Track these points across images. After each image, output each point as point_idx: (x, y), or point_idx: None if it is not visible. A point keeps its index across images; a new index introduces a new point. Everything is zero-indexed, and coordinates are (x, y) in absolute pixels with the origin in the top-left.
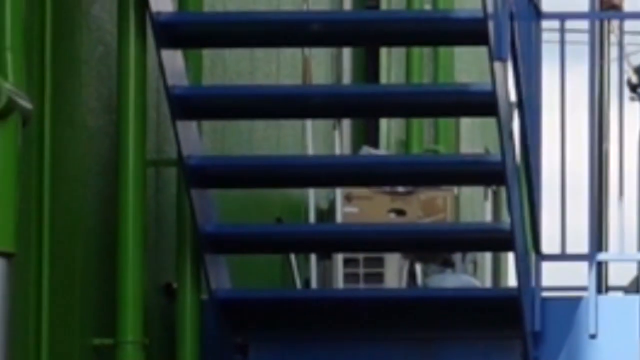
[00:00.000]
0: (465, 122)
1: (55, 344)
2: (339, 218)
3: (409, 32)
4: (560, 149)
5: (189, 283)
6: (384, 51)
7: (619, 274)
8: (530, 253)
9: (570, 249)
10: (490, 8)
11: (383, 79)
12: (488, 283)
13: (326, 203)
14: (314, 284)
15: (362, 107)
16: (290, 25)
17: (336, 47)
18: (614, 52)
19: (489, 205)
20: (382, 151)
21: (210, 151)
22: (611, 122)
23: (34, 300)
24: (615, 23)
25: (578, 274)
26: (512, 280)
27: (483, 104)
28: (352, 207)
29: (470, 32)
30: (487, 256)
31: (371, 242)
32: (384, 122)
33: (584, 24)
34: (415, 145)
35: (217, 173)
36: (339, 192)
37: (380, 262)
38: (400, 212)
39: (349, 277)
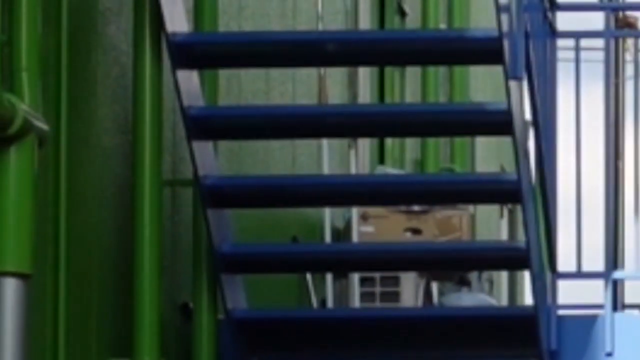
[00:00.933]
0: (481, 141)
1: None
2: (355, 237)
3: (425, 52)
4: (576, 167)
5: (206, 303)
6: (388, 71)
7: (635, 292)
8: (546, 271)
9: (586, 267)
10: (505, 27)
11: (388, 98)
12: (504, 302)
13: (342, 222)
14: (330, 303)
15: (378, 126)
16: (305, 45)
17: (351, 66)
18: (629, 70)
19: (504, 224)
20: (396, 170)
21: (226, 171)
22: (627, 140)
23: (50, 321)
24: (630, 41)
25: (594, 292)
26: (528, 299)
27: (498, 122)
28: (368, 226)
29: (486, 51)
30: (503, 275)
31: (387, 261)
32: (388, 140)
33: (599, 42)
34: (430, 165)
35: (233, 193)
36: (354, 212)
37: (396, 281)
38: (416, 231)
39: (365, 296)
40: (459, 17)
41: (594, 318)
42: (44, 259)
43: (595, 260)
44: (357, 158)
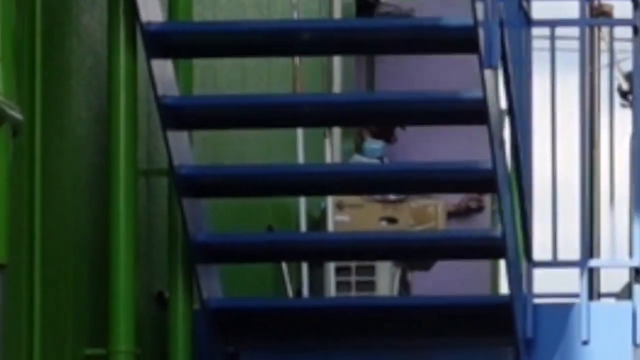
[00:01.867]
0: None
1: (48, 354)
2: (330, 226)
3: (399, 40)
4: (551, 156)
5: (181, 292)
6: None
7: (611, 281)
8: (522, 260)
9: (561, 256)
10: (480, 16)
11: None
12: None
13: (317, 211)
14: (305, 292)
15: (353, 115)
16: (280, 35)
17: (326, 55)
18: (604, 59)
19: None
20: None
21: (201, 160)
22: (602, 129)
23: (25, 311)
24: (605, 30)
25: (570, 281)
26: (504, 288)
27: (474, 111)
28: (344, 215)
29: (461, 40)
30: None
31: (363, 250)
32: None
33: (574, 31)
34: None
35: (208, 182)
36: (330, 201)
37: (371, 270)
38: (391, 220)
39: (340, 286)
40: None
41: (569, 307)
42: (19, 248)
43: (570, 249)
44: (332, 147)
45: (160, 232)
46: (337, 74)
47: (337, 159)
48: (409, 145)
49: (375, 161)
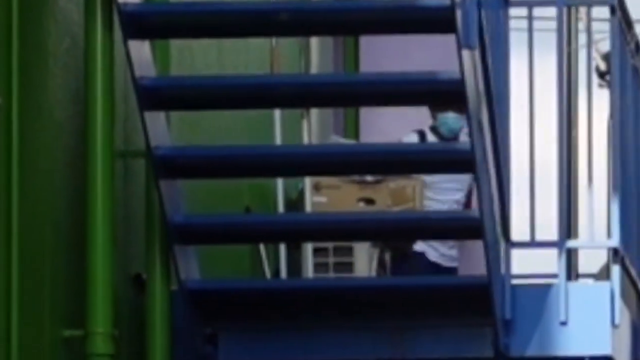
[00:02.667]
0: None
1: (25, 336)
2: (308, 207)
3: (377, 21)
4: (529, 136)
5: (159, 274)
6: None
7: (589, 261)
8: (500, 241)
9: (540, 237)
10: None
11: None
12: None
13: (295, 193)
14: (283, 273)
15: (330, 96)
16: (257, 15)
17: (304, 36)
18: (582, 39)
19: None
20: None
21: (179, 142)
22: (580, 110)
23: (3, 293)
24: (583, 10)
25: (548, 262)
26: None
27: (451, 92)
28: (321, 196)
29: (438, 20)
30: None
31: (340, 231)
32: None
33: (552, 12)
34: None
35: (185, 163)
36: (307, 182)
37: (349, 252)
38: (369, 201)
39: (318, 267)
40: None
41: (548, 287)
42: None
43: (549, 229)
44: (309, 128)
45: (137, 213)
46: (315, 55)
47: (315, 140)
48: (385, 127)
49: (414, 138)
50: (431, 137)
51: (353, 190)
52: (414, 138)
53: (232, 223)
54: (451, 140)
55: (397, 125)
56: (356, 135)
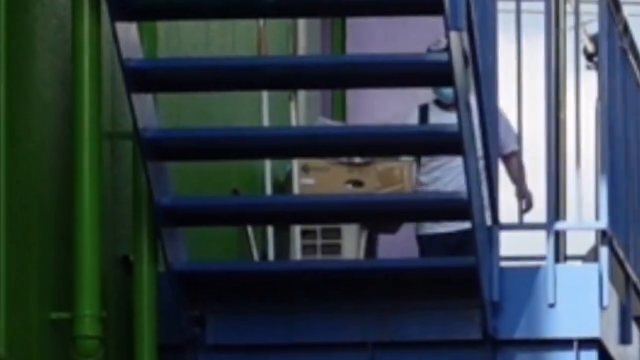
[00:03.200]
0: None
1: (13, 318)
2: (295, 189)
3: (364, 3)
4: (517, 118)
5: (146, 256)
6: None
7: (577, 243)
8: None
9: (528, 219)
10: None
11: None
12: None
13: (283, 175)
14: (271, 255)
15: (318, 77)
16: None
17: (291, 17)
18: (570, 21)
19: None
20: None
21: (166, 123)
22: (568, 91)
23: None
24: None
25: (536, 244)
26: None
27: (439, 74)
28: (309, 178)
29: (426, 2)
30: None
31: (328, 213)
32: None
33: None
34: None
35: (173, 145)
36: (295, 164)
37: (337, 234)
38: (357, 183)
39: (306, 249)
40: None
41: (536, 270)
42: None
43: (537, 212)
44: (297, 110)
45: (125, 195)
46: (302, 36)
47: (302, 121)
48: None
49: (414, 114)
50: (434, 109)
51: (341, 173)
52: (414, 114)
53: (220, 205)
54: (452, 106)
55: (385, 107)
56: (343, 117)
